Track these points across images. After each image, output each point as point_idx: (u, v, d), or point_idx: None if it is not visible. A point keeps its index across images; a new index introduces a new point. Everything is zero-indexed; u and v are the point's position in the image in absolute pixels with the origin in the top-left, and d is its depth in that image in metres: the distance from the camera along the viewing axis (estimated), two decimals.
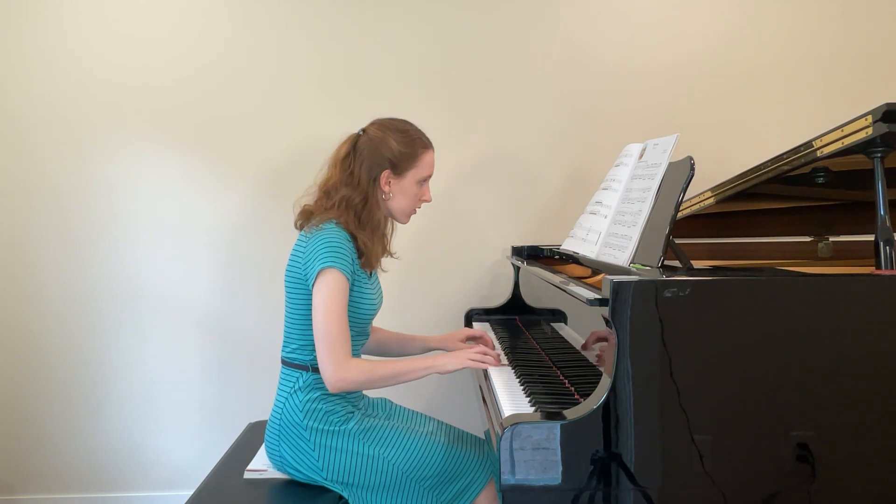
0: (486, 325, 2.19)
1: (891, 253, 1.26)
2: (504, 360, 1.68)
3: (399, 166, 1.58)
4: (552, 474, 1.12)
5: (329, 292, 1.46)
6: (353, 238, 1.54)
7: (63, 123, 2.34)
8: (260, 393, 2.40)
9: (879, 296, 1.17)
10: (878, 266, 1.27)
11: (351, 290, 1.52)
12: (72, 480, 2.43)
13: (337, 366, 1.43)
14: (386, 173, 1.58)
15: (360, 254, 1.55)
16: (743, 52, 2.41)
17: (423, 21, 2.38)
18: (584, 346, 1.43)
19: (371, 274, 1.64)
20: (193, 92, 2.35)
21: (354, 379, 1.44)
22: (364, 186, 1.56)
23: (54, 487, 2.43)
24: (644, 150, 1.65)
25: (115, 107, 2.34)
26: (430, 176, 1.64)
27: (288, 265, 1.58)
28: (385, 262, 1.71)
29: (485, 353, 1.56)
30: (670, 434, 1.14)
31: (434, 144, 1.65)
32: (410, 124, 1.64)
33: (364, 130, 1.62)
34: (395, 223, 1.72)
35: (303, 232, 1.58)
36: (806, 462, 1.15)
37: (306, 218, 1.60)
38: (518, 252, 2.30)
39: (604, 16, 2.41)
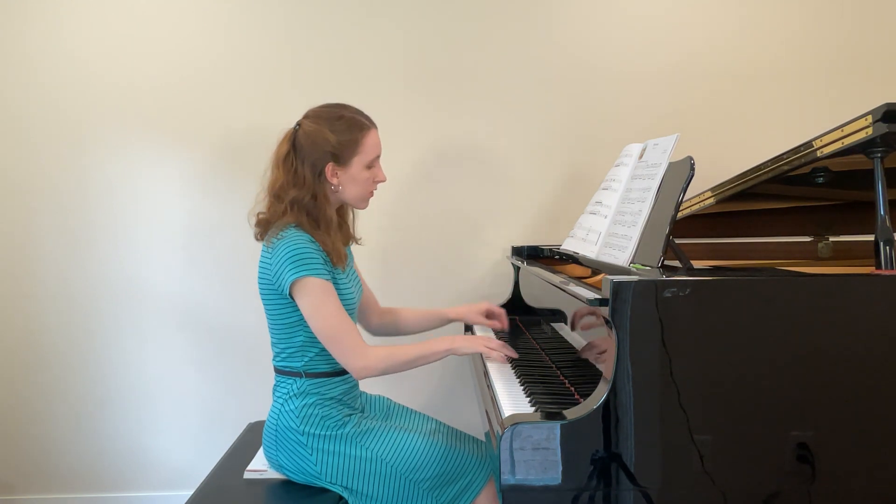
0: None
1: (891, 253, 1.26)
2: (510, 372, 1.64)
3: (341, 156, 1.52)
4: (552, 474, 1.12)
5: (315, 299, 1.44)
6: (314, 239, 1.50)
7: (63, 123, 2.34)
8: (259, 393, 2.39)
9: (879, 296, 1.17)
10: (878, 266, 1.27)
11: None
12: (72, 480, 2.43)
13: (356, 356, 1.44)
14: (330, 166, 1.52)
15: (327, 253, 1.51)
16: (743, 52, 2.41)
17: (424, 21, 2.38)
18: (573, 327, 1.42)
19: (346, 268, 1.61)
20: (193, 92, 2.35)
21: (376, 365, 1.46)
22: (311, 184, 1.51)
23: (54, 487, 2.43)
24: (644, 150, 1.65)
25: (115, 107, 2.34)
26: (377, 156, 1.58)
27: (258, 279, 1.54)
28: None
29: (503, 348, 1.57)
30: (670, 434, 1.13)
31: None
32: (346, 107, 1.57)
33: (299, 124, 1.56)
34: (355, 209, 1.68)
35: (264, 244, 1.53)
36: (806, 462, 1.15)
37: (264, 227, 1.55)
38: (518, 252, 2.30)
39: (604, 15, 2.40)
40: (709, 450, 1.14)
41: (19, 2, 2.31)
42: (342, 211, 1.65)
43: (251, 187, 2.37)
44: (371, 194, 1.62)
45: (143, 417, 2.43)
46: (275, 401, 1.57)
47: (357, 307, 1.63)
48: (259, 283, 1.54)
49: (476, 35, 2.39)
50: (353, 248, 1.76)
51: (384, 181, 1.63)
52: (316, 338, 1.49)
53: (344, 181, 1.55)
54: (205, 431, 2.44)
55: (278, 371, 1.58)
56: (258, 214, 1.57)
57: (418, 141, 2.37)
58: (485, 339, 1.58)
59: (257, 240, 1.57)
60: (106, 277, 2.38)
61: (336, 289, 1.52)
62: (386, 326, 1.85)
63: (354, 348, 1.45)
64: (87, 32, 2.32)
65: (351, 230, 1.69)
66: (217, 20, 2.35)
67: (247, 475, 1.58)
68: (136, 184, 2.37)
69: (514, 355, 1.61)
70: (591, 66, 2.41)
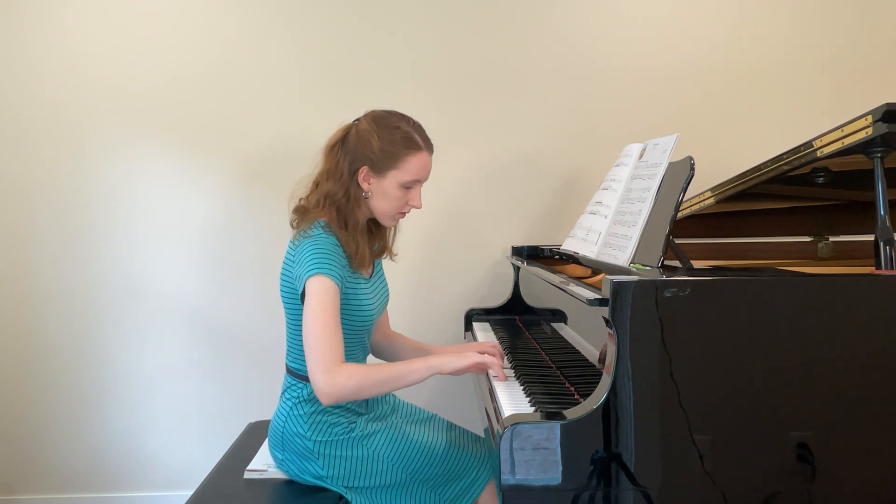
0: (486, 324, 2.19)
1: (891, 253, 1.26)
2: (510, 373, 1.55)
3: (378, 165, 1.49)
4: (552, 474, 1.12)
5: (317, 299, 1.38)
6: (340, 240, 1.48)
7: (63, 123, 2.34)
8: (260, 393, 2.40)
9: (879, 296, 1.17)
10: (878, 266, 1.27)
11: (344, 295, 1.46)
12: (72, 480, 2.43)
13: (326, 372, 1.32)
14: (364, 170, 1.49)
15: (348, 256, 1.48)
16: (743, 52, 2.41)
17: (423, 20, 2.38)
18: (600, 360, 1.42)
19: (371, 276, 1.59)
20: (193, 91, 2.35)
21: (346, 385, 1.33)
22: (345, 180, 1.49)
23: (54, 487, 2.43)
24: (644, 150, 1.65)
25: (115, 107, 2.34)
26: (417, 181, 1.52)
27: (281, 275, 1.53)
28: (383, 261, 1.68)
29: (493, 359, 1.45)
30: (670, 434, 1.13)
31: (434, 145, 1.57)
32: (406, 121, 1.53)
33: (358, 120, 1.56)
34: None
35: (292, 239, 1.51)
36: (806, 462, 1.15)
37: (301, 215, 1.53)
38: (518, 252, 2.30)
39: (604, 15, 2.41)
40: (709, 450, 1.14)
41: (19, 2, 2.31)
42: (365, 222, 1.60)
43: (252, 187, 2.40)
44: (401, 215, 1.57)
45: (143, 417, 2.43)
46: (283, 402, 1.55)
47: (374, 320, 1.59)
48: (281, 281, 1.53)
49: (475, 36, 2.39)
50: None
51: (418, 208, 1.57)
52: None
53: (375, 190, 1.51)
54: (205, 431, 2.44)
55: (290, 371, 1.57)
56: (299, 200, 1.55)
57: None
58: (472, 352, 1.45)
59: (292, 227, 1.54)
60: (106, 277, 2.38)
61: (354, 295, 1.50)
62: (384, 349, 1.79)
63: (326, 364, 1.33)
64: (86, 32, 2.32)
65: (388, 243, 1.66)
66: (217, 20, 2.35)
67: (247, 475, 1.58)
68: (136, 184, 2.37)
69: (503, 378, 1.47)
70: (591, 67, 2.41)
